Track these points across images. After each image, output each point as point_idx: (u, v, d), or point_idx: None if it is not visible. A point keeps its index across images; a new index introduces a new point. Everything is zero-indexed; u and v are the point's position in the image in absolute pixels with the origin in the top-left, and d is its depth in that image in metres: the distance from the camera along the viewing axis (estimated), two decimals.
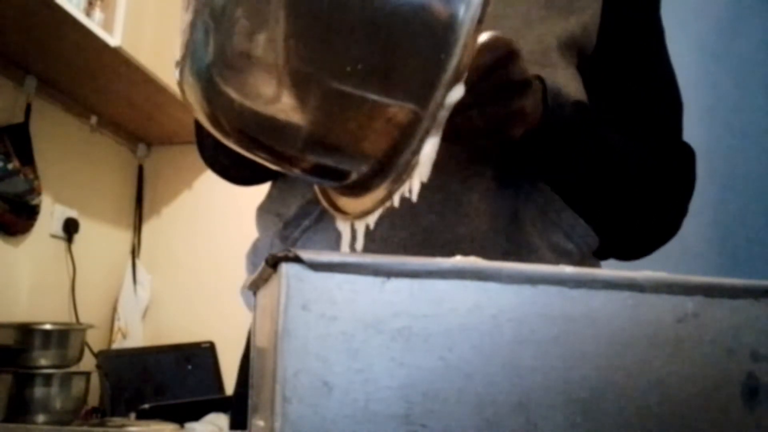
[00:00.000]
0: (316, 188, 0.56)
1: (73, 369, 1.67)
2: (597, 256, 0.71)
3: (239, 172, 0.75)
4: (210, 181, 0.79)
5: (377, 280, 0.32)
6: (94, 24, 1.70)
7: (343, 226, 0.48)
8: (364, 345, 0.31)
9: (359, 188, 0.45)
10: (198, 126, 0.75)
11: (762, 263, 1.40)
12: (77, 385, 1.65)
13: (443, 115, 0.39)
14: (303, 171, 0.47)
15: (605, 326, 0.33)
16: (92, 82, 1.96)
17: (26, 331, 1.62)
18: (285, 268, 0.31)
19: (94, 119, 2.18)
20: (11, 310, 1.82)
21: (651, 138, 0.69)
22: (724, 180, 1.37)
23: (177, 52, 0.43)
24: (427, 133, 0.39)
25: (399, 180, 0.41)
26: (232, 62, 0.38)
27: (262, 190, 0.79)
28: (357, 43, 0.37)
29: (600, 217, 0.67)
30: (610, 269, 0.36)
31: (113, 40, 1.74)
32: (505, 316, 0.33)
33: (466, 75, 0.39)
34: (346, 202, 0.49)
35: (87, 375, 1.70)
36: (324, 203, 0.53)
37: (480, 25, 0.38)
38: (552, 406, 0.32)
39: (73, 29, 1.65)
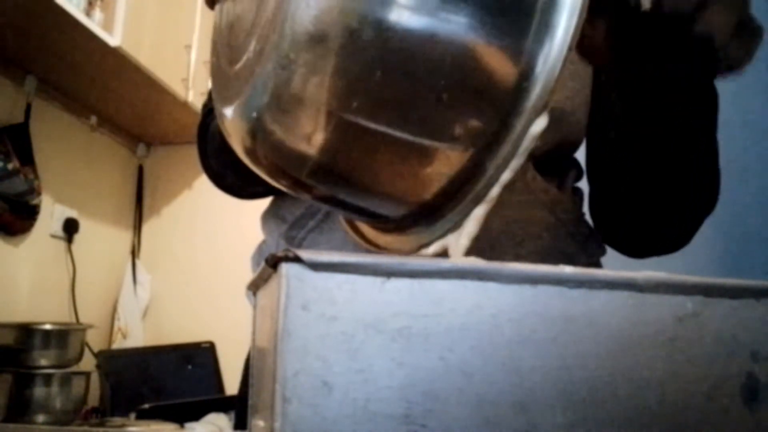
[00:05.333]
0: (342, 220, 0.55)
1: (73, 369, 1.67)
2: (632, 255, 0.69)
3: (245, 189, 0.75)
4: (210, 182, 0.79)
5: (377, 280, 0.32)
6: (94, 24, 1.70)
7: None
8: (364, 345, 0.31)
9: (402, 228, 0.45)
10: (201, 142, 0.75)
11: (762, 263, 1.40)
12: (77, 385, 1.65)
13: (525, 146, 0.37)
14: (337, 206, 0.46)
15: (605, 326, 0.33)
16: (92, 82, 1.97)
17: (26, 331, 1.62)
18: (285, 268, 0.31)
19: (94, 119, 2.19)
20: (11, 310, 1.82)
21: None
22: (724, 180, 1.37)
23: (226, 88, 0.43)
24: (493, 181, 0.38)
25: (451, 229, 0.40)
26: (288, 106, 0.37)
27: None
28: (420, 93, 0.36)
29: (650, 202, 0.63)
30: (610, 269, 0.36)
31: (113, 40, 1.75)
32: (505, 316, 0.33)
33: (551, 104, 0.37)
34: (377, 236, 0.49)
35: (87, 375, 1.70)
36: (353, 235, 0.52)
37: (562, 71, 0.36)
38: (552, 406, 0.32)
39: (73, 29, 1.66)
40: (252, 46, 0.39)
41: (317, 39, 0.35)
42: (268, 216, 0.76)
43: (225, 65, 0.44)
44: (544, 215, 0.65)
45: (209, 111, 0.76)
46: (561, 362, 0.33)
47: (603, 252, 0.70)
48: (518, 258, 0.61)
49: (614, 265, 0.72)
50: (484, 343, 0.32)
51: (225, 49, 0.45)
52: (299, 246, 0.69)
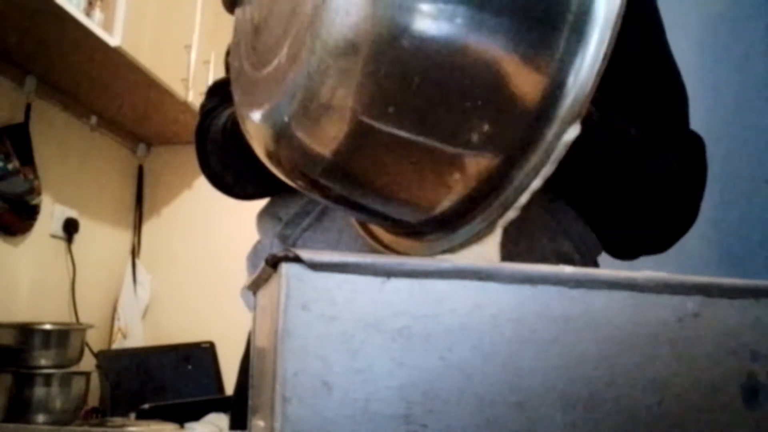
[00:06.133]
0: (355, 224, 0.55)
1: (73, 369, 1.67)
2: (621, 257, 0.70)
3: (243, 189, 0.75)
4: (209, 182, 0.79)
5: (377, 280, 0.32)
6: (94, 24, 1.70)
7: None
8: (364, 345, 0.31)
9: (421, 234, 0.45)
10: (200, 143, 0.75)
11: (762, 263, 1.40)
12: (77, 385, 1.65)
13: (557, 155, 0.37)
14: (354, 209, 0.46)
15: (605, 326, 0.33)
16: (92, 82, 1.97)
17: (26, 331, 1.62)
18: (285, 268, 0.31)
19: (94, 119, 2.18)
20: (11, 310, 1.82)
21: (658, 129, 0.68)
22: (724, 180, 1.37)
23: (253, 97, 0.43)
24: (523, 188, 0.38)
25: (478, 235, 0.41)
26: (319, 111, 0.38)
27: None
28: (451, 101, 0.37)
29: (619, 216, 0.65)
30: (610, 269, 0.36)
31: (113, 40, 1.75)
32: (505, 316, 0.33)
33: (584, 114, 0.37)
34: (395, 241, 0.49)
35: (87, 375, 1.70)
36: (368, 239, 0.52)
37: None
38: (552, 406, 0.32)
39: (73, 29, 1.65)
40: (284, 50, 0.39)
41: (354, 45, 0.35)
42: (264, 215, 0.76)
43: (249, 69, 0.44)
44: (540, 213, 0.65)
45: (207, 112, 0.77)
46: (561, 362, 0.33)
47: (599, 251, 0.70)
48: (513, 256, 0.61)
49: (614, 265, 0.72)
50: (484, 343, 0.32)
51: (250, 53, 0.45)
52: (293, 245, 0.69)
